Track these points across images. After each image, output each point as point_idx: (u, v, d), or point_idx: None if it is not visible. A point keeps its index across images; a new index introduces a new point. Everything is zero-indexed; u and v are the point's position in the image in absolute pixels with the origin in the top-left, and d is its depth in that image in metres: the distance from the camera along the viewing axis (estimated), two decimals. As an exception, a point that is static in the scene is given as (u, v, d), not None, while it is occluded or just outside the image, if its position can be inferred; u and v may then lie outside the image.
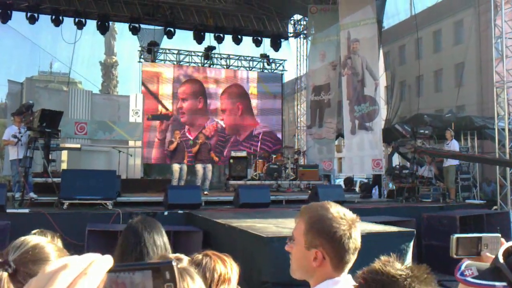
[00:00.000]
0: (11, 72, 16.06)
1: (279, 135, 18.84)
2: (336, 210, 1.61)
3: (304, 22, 19.01)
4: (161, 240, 2.21)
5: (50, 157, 10.86)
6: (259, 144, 16.10)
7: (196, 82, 18.04)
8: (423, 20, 17.18)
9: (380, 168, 13.66)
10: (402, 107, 17.30)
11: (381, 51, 15.30)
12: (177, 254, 1.66)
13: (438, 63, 23.53)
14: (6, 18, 15.44)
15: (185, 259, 1.63)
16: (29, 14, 15.81)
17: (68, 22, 16.26)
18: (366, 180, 17.67)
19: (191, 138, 16.63)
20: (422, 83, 21.90)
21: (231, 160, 14.69)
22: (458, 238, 1.45)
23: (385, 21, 15.68)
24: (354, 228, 1.60)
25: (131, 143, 15.11)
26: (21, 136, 9.37)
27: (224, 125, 18.17)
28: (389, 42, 18.01)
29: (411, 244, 5.67)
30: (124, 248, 2.17)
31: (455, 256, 1.43)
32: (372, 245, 5.24)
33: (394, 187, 13.48)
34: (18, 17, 15.89)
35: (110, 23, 17.69)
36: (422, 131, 12.04)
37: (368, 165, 13.79)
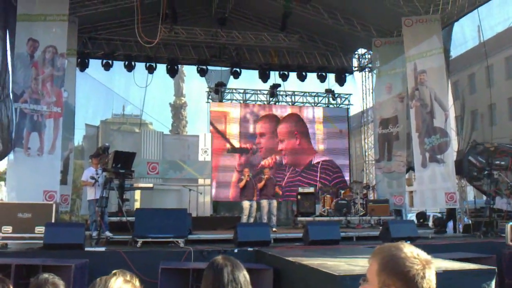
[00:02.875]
0: (88, 116, 16.96)
1: (345, 171, 18.55)
2: (410, 250, 1.60)
3: (369, 56, 18.94)
4: (244, 278, 2.28)
5: (124, 197, 11.30)
6: (318, 174, 15.96)
7: (273, 118, 18.31)
8: (493, 47, 16.64)
9: (454, 201, 13.10)
10: (475, 137, 16.64)
11: (449, 80, 14.92)
12: None
13: (512, 90, 22.57)
14: (84, 66, 16.50)
15: None
16: (104, 61, 16.83)
17: (140, 67, 17.10)
18: (439, 215, 17.01)
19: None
20: (495, 111, 21.03)
21: (299, 196, 14.64)
22: None
23: (452, 50, 15.29)
24: (429, 269, 1.57)
25: (200, 181, 15.49)
26: (98, 177, 9.83)
27: (282, 157, 18.14)
28: (457, 71, 17.48)
29: (493, 283, 5.37)
30: (212, 285, 2.24)
31: (510, 243, 1.38)
32: (451, 284, 5.03)
33: (470, 221, 12.89)
34: (95, 65, 16.92)
35: (179, 66, 18.40)
36: (498, 161, 11.51)
37: (441, 198, 13.27)
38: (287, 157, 18.16)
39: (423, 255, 1.60)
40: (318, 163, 18.18)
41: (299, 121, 18.59)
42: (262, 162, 17.50)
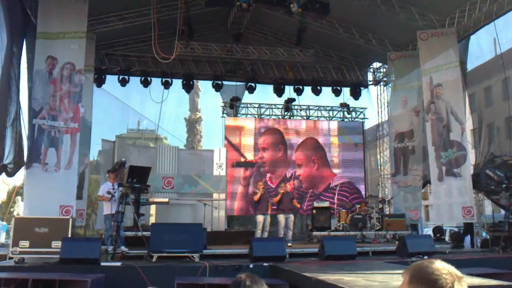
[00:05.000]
0: (105, 131, 17.09)
1: (361, 185, 18.41)
2: (442, 265, 1.64)
3: (384, 70, 18.90)
4: None
5: (139, 211, 11.33)
6: (336, 196, 15.97)
7: (276, 131, 18.23)
8: (510, 59, 16.50)
9: (471, 216, 12.95)
10: (492, 150, 16.46)
11: (466, 93, 14.81)
12: None
13: (530, 103, 22.25)
14: (101, 82, 16.70)
15: None
16: (120, 77, 17.03)
17: (156, 82, 17.27)
18: (456, 229, 16.78)
19: (273, 186, 16.74)
20: (512, 124, 20.80)
21: (314, 211, 14.56)
22: None
23: (469, 63, 15.21)
24: (459, 283, 1.58)
25: (215, 195, 15.49)
26: (115, 192, 9.89)
27: (301, 180, 18.03)
28: (474, 84, 17.36)
29: (513, 299, 5.28)
30: None
31: None
32: (469, 300, 4.94)
33: (488, 236, 12.70)
34: (111, 81, 17.12)
35: (194, 81, 18.52)
36: (517, 176, 11.36)
37: (457, 213, 13.13)
38: (305, 181, 18.06)
39: (454, 270, 1.63)
40: (336, 185, 18.11)
41: (317, 144, 18.48)
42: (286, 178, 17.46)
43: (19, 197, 24.84)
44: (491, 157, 13.65)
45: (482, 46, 15.18)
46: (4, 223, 21.09)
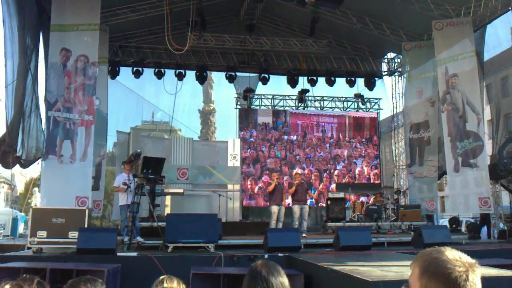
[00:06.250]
0: (120, 122, 17.20)
1: (375, 174, 18.34)
2: (452, 254, 1.56)
3: (398, 60, 18.73)
4: (281, 284, 2.23)
5: (155, 202, 11.39)
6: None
7: (298, 127, 18.22)
8: (528, 48, 16.25)
9: (488, 206, 12.81)
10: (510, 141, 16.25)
11: (483, 83, 14.62)
12: None
13: (547, 93, 21.92)
14: (115, 74, 16.79)
15: None
16: (134, 69, 17.09)
17: (169, 74, 17.33)
18: (473, 220, 16.66)
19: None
20: (529, 115, 20.50)
21: (329, 202, 14.53)
22: None
23: (485, 53, 15.00)
24: (472, 272, 1.52)
25: (229, 186, 15.51)
26: (130, 183, 9.95)
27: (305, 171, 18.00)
28: (490, 74, 17.10)
29: (531, 290, 5.22)
30: None
31: None
32: (487, 290, 4.89)
33: (505, 227, 12.59)
34: (125, 72, 17.20)
35: (208, 72, 18.53)
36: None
37: (474, 203, 13.01)
38: (312, 165, 18.00)
39: (465, 258, 1.56)
40: (342, 169, 18.08)
41: (325, 129, 18.43)
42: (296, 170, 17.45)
43: (36, 189, 25.13)
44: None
45: (499, 36, 14.93)
46: (22, 213, 21.39)
